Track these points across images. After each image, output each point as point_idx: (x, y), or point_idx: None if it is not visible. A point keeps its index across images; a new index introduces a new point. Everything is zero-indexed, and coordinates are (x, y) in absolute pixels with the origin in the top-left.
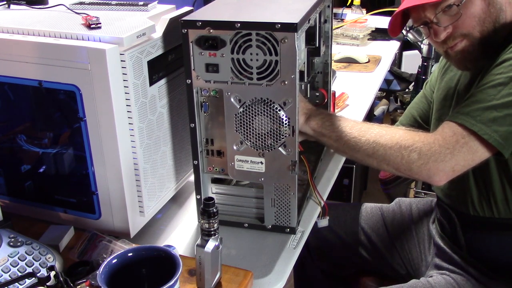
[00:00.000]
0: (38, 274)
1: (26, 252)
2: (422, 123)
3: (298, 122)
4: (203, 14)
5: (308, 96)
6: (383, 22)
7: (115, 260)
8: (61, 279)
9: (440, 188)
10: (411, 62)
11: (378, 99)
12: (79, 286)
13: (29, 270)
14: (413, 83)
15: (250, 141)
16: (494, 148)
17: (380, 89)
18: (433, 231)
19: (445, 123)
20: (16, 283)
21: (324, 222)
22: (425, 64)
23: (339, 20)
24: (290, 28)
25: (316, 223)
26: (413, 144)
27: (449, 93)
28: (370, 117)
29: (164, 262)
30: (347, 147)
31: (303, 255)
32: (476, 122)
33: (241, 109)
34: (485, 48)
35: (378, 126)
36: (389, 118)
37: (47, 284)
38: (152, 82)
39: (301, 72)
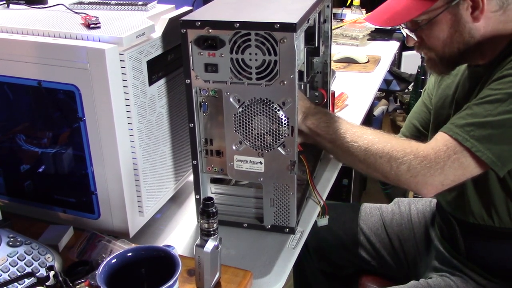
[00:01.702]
0: (37, 274)
1: (25, 252)
2: (425, 132)
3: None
4: (202, 14)
5: (308, 96)
6: None
7: (114, 260)
8: (60, 278)
9: (441, 194)
10: (411, 62)
11: (377, 99)
12: (78, 286)
13: (28, 269)
14: (412, 83)
15: (249, 141)
16: (487, 165)
17: (380, 89)
18: (432, 234)
19: (438, 134)
20: (15, 283)
21: (323, 221)
22: (425, 64)
23: (338, 20)
24: (289, 28)
25: (315, 222)
26: (404, 156)
27: (447, 101)
28: (369, 117)
29: (163, 262)
30: (340, 150)
31: (302, 255)
32: (469, 137)
33: (240, 109)
34: (449, 63)
35: (372, 132)
36: (389, 118)
37: (46, 284)
38: (151, 82)
39: (300, 72)
